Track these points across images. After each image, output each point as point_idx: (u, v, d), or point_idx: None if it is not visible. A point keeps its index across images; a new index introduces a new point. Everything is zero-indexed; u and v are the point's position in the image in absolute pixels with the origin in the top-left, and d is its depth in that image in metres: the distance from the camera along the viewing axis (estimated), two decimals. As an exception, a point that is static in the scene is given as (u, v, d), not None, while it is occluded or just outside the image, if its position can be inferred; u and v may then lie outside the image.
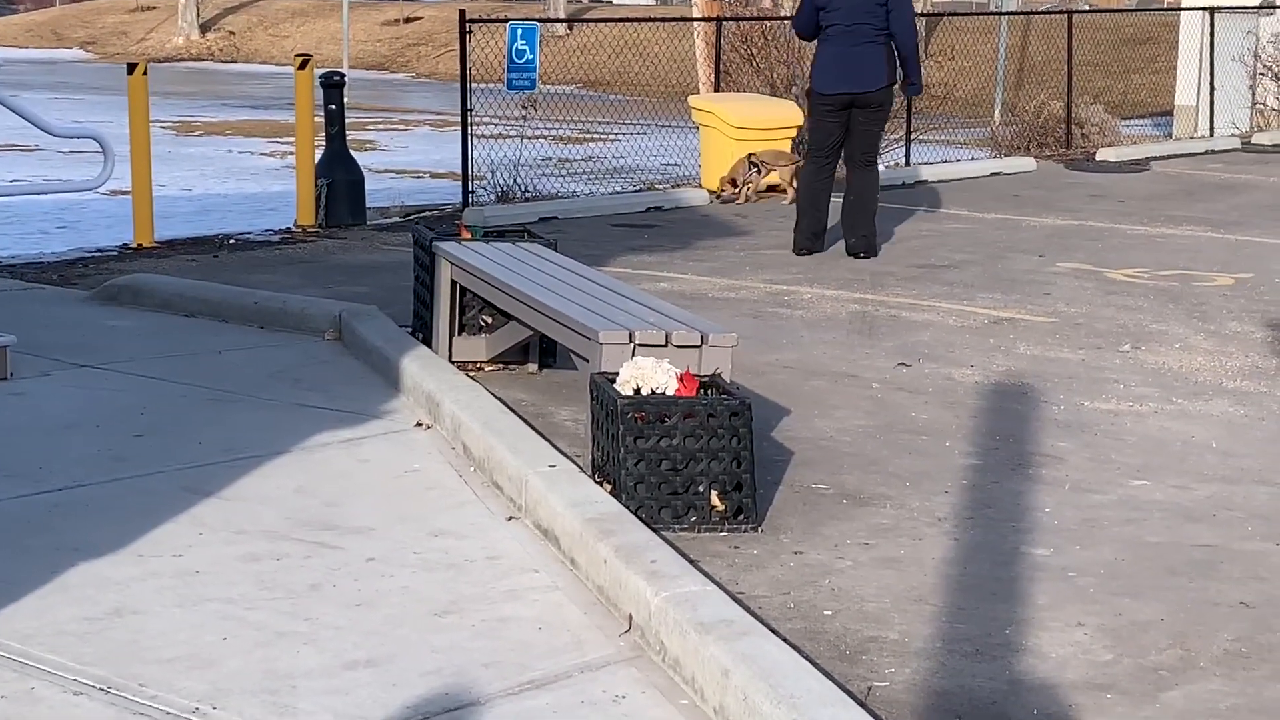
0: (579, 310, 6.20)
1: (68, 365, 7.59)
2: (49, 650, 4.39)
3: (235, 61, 44.13)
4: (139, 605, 4.75)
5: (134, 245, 11.15)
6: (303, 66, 12.00)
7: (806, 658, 4.33)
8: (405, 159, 21.34)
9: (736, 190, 12.93)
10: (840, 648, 4.51)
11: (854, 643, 4.55)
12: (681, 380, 5.53)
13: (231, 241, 11.54)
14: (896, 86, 10.78)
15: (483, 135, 13.50)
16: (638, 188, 14.80)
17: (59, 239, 12.97)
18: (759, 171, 13.12)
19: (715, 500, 5.40)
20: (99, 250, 11.21)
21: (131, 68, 11.32)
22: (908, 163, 15.72)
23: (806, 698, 3.95)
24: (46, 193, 7.57)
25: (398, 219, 12.64)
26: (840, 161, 10.80)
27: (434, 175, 19.36)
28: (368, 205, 12.65)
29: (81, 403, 6.97)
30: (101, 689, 4.18)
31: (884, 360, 7.89)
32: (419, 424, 6.73)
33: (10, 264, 10.52)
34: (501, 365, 7.53)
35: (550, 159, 18.00)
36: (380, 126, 26.11)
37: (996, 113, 21.46)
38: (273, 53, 43.72)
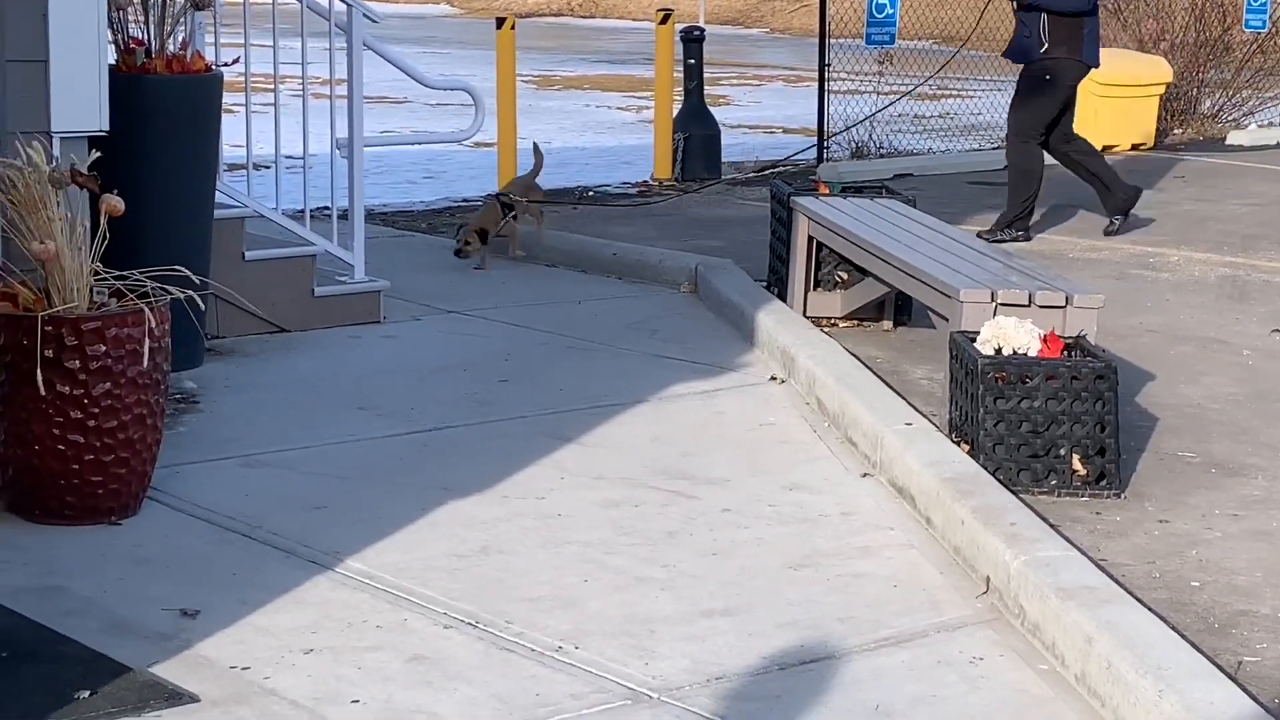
0: (939, 268, 6.14)
1: (436, 311, 7.84)
2: (420, 584, 4.56)
3: (593, 17, 44.80)
4: (504, 545, 4.89)
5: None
6: (664, 21, 12.13)
7: (1173, 628, 4.22)
8: (758, 114, 21.34)
9: (480, 246, 8.87)
10: (1208, 620, 4.38)
11: (1223, 616, 4.41)
12: (1045, 341, 5.43)
13: (590, 194, 11.75)
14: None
15: (837, 91, 13.43)
16: (994, 145, 14.53)
17: (425, 188, 13.36)
18: (514, 217, 9.19)
19: (1077, 464, 5.30)
20: (464, 200, 11.53)
21: (500, 22, 11.60)
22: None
23: (1174, 669, 3.85)
24: (418, 143, 7.82)
25: (752, 174, 12.68)
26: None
27: (786, 131, 19.31)
28: (723, 160, 12.72)
29: (449, 347, 7.20)
30: (470, 623, 4.32)
31: (1256, 326, 7.61)
32: (773, 378, 6.76)
33: (383, 212, 10.90)
34: (856, 321, 7.51)
35: (905, 115, 17.79)
36: (734, 82, 26.15)
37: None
38: (629, 8, 44.20)
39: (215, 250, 6.79)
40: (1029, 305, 5.70)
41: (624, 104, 22.71)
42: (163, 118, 6.36)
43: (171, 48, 6.49)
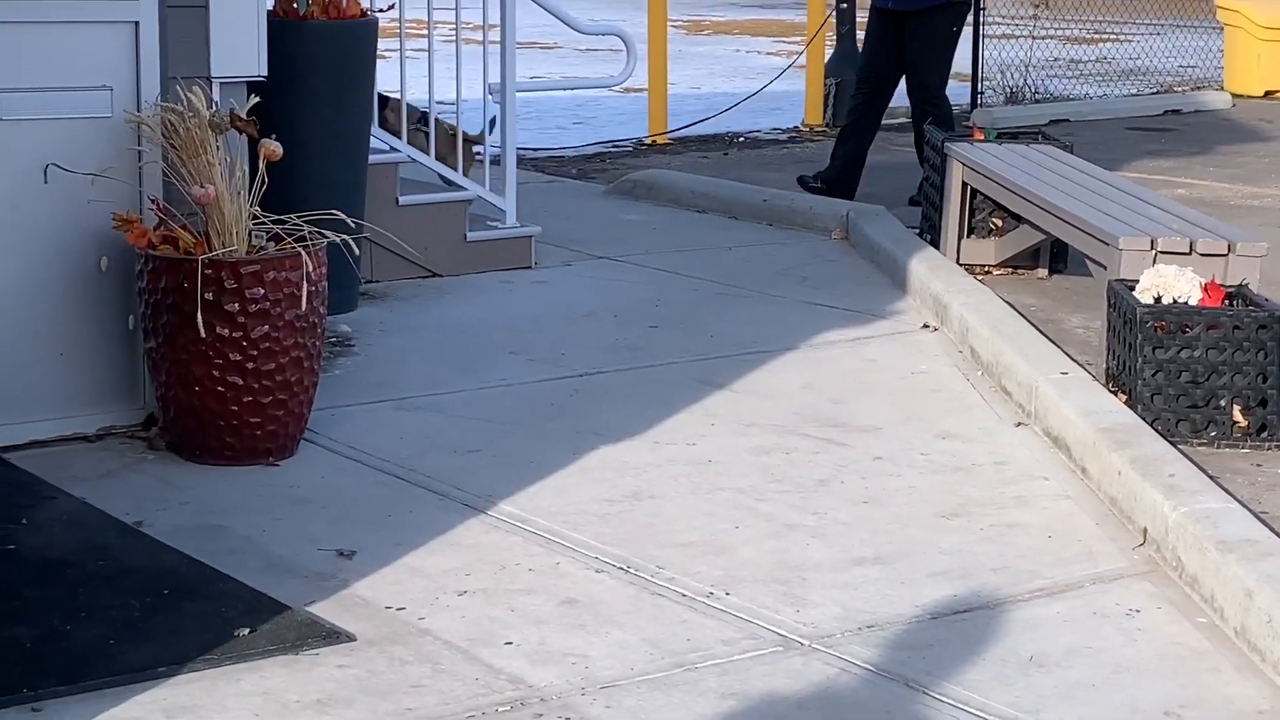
0: (1096, 214, 6.04)
1: (586, 256, 7.86)
2: (571, 528, 4.58)
3: (743, -39, 44.45)
4: (655, 490, 4.90)
5: (648, 141, 11.43)
6: (815, -35, 12.00)
7: (1335, 584, 4.13)
8: (910, 59, 21.07)
9: None
10: (1372, 576, 4.28)
11: (1387, 572, 4.31)
12: (1205, 290, 5.32)
13: (740, 139, 11.70)
14: None
15: (991, 35, 13.24)
16: (1154, 90, 14.26)
17: (575, 134, 13.36)
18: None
19: (1237, 415, 5.20)
20: (614, 145, 11.54)
21: (650, -33, 11.55)
22: None
23: (1337, 625, 3.77)
24: (569, 89, 7.85)
25: (904, 119, 12.53)
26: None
27: (939, 76, 19.07)
28: (875, 105, 12.58)
29: (599, 292, 7.21)
30: (621, 568, 4.34)
31: None
32: (925, 325, 6.70)
33: (534, 158, 10.94)
34: (1010, 269, 7.42)
35: (1060, 60, 17.49)
36: (886, 26, 25.86)
37: None
38: (780, -48, 43.83)
39: (370, 195, 6.85)
40: (1189, 253, 5.59)
41: (774, 49, 22.55)
42: (319, 63, 6.42)
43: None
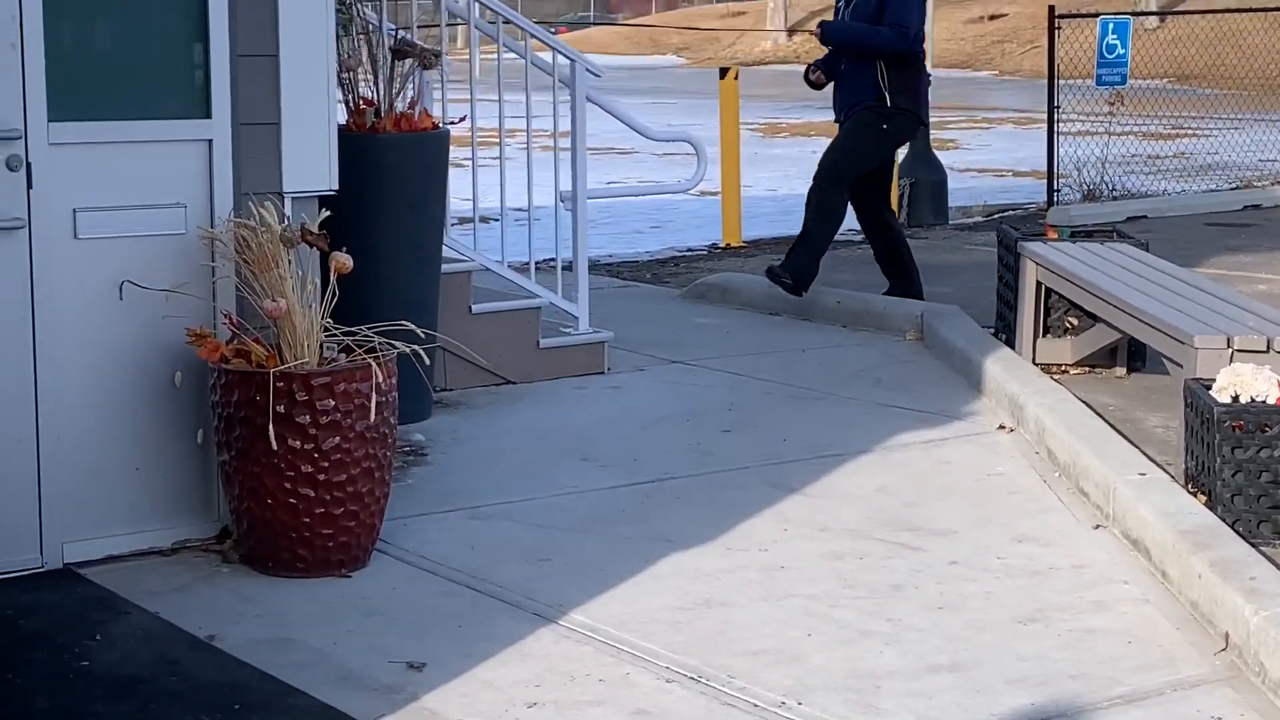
0: (1171, 312, 5.98)
1: (660, 361, 7.86)
2: (642, 637, 4.55)
3: (818, 63, 44.68)
4: (727, 597, 4.87)
5: (722, 245, 11.47)
6: (887, 67, 12.04)
7: None
8: (987, 157, 21.10)
9: None
10: None
11: None
12: (1284, 388, 5.25)
13: (814, 242, 11.69)
14: None
15: (1068, 133, 13.23)
16: (1233, 185, 14.18)
17: (652, 238, 13.46)
18: None
19: (1320, 515, 5.11)
20: (689, 250, 11.59)
21: (724, 72, 11.65)
22: None
23: None
24: (643, 194, 7.90)
25: (980, 218, 12.56)
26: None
27: (1016, 174, 19.07)
28: (950, 205, 12.60)
29: (672, 397, 7.21)
30: (692, 678, 4.30)
31: None
32: (1001, 426, 6.64)
33: (609, 263, 11.00)
34: (1087, 368, 7.36)
35: (1138, 156, 17.45)
36: (962, 125, 25.93)
37: None
38: (855, 54, 44.04)
39: (443, 303, 6.91)
40: (1267, 351, 5.52)
41: (850, 150, 22.58)
42: (391, 175, 6.49)
43: (401, 106, 6.62)
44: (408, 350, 5.00)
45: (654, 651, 4.46)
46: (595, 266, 10.80)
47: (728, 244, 11.43)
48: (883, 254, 9.06)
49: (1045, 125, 12.60)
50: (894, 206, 12.05)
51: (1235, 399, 5.26)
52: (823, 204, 8.76)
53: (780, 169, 20.15)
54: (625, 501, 5.78)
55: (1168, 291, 6.40)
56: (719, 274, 9.84)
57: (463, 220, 8.43)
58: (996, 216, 12.45)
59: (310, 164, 5.26)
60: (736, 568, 5.12)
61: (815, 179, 8.86)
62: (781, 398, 7.19)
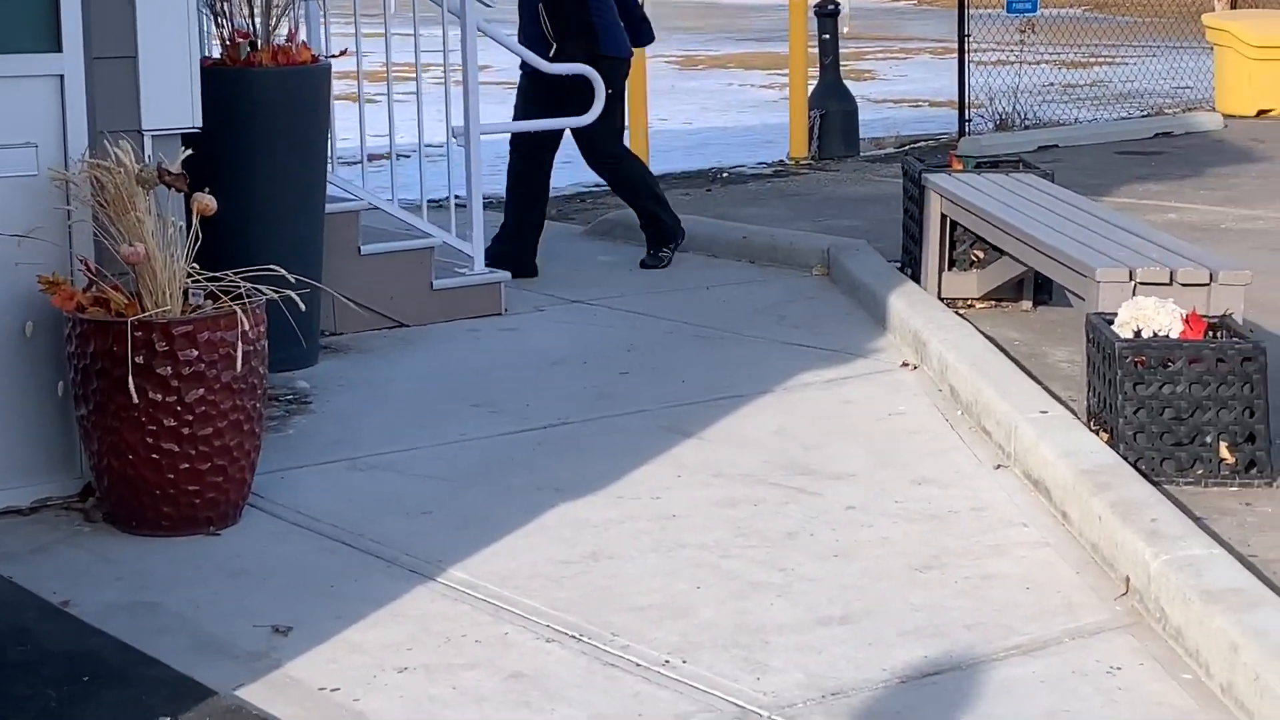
0: (1075, 245, 5.81)
1: (560, 301, 7.65)
2: (524, 594, 4.35)
3: (739, -5, 44.40)
4: (615, 550, 4.67)
5: (630, 180, 11.21)
6: (795, -4, 11.82)
7: (1327, 634, 3.89)
8: (904, 88, 20.90)
9: None
10: (1367, 622, 4.04)
11: (1383, 617, 4.07)
12: (1187, 322, 5.09)
13: (724, 175, 11.50)
14: None
15: (981, 62, 13.04)
16: (1145, 113, 14.05)
17: (563, 174, 13.16)
18: None
19: (1224, 452, 4.97)
20: (596, 185, 11.32)
21: (627, 3, 11.36)
22: None
23: (1327, 681, 3.53)
24: (539, 128, 7.67)
25: (892, 150, 12.35)
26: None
27: (933, 104, 18.88)
28: (863, 136, 12.41)
29: (570, 338, 7.00)
30: (574, 636, 4.11)
31: None
32: (905, 364, 6.47)
33: (511, 200, 10.72)
34: (993, 302, 7.20)
35: (1053, 85, 17.30)
36: (879, 55, 25.71)
37: None
38: (774, -16, 43.74)
39: (330, 245, 6.66)
40: (1170, 284, 5.37)
41: (767, 82, 22.38)
42: (269, 112, 6.22)
43: (282, 39, 6.35)
44: (275, 296, 4.76)
45: (535, 609, 4.26)
46: (498, 204, 10.55)
47: (635, 179, 11.17)
48: (513, 220, 8.15)
49: (964, 55, 12.39)
50: (807, 141, 11.88)
51: (1138, 333, 5.10)
52: (629, 178, 8.30)
53: (696, 101, 19.87)
54: (515, 449, 5.57)
55: (1071, 223, 6.23)
56: (621, 210, 9.60)
57: (373, 159, 8.12)
58: (909, 148, 12.23)
59: (172, 100, 4.99)
60: (627, 517, 4.92)
61: (600, 164, 8.26)
62: (683, 338, 7.00)
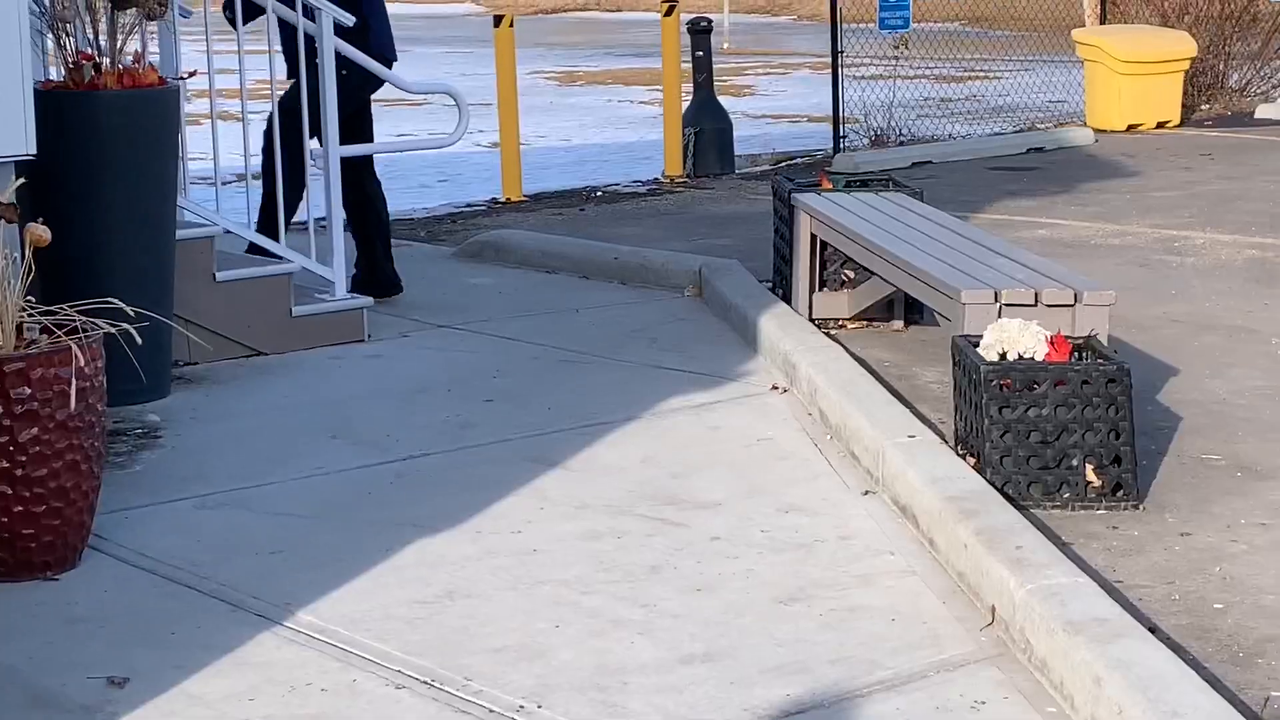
0: (941, 266, 5.75)
1: (426, 326, 7.49)
2: (375, 637, 4.19)
3: (621, 10, 44.41)
4: (472, 588, 4.53)
5: (502, 200, 11.10)
6: (669, 13, 11.75)
7: (1190, 662, 3.83)
8: (783, 103, 20.92)
9: None
10: (1232, 649, 3.99)
11: (1249, 643, 4.02)
12: (1052, 344, 5.03)
13: (598, 193, 11.39)
14: None
15: (860, 77, 13.04)
16: (1018, 128, 14.11)
17: (439, 192, 13.01)
18: None
19: (1091, 475, 4.91)
20: (468, 205, 11.18)
21: (498, 20, 11.24)
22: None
23: (1192, 715, 3.46)
24: (402, 150, 7.48)
25: (768, 167, 12.31)
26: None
27: (811, 119, 18.89)
28: (741, 153, 12.36)
29: (435, 365, 6.84)
30: (426, 681, 3.95)
31: (1287, 312, 7.19)
32: (775, 387, 6.38)
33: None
34: (865, 322, 7.13)
35: (930, 100, 17.36)
36: (759, 71, 25.75)
37: None
38: (655, 0, 43.78)
39: (183, 271, 6.46)
40: (1035, 305, 5.31)
41: (647, 98, 22.31)
42: (113, 137, 5.99)
43: (127, 61, 6.14)
44: (112, 330, 4.57)
45: (386, 653, 4.11)
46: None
47: (508, 199, 11.05)
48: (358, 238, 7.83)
49: (838, 71, 12.37)
50: (681, 158, 11.79)
51: (1003, 356, 5.03)
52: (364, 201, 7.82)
53: (575, 118, 19.78)
54: (374, 483, 5.41)
55: (938, 243, 6.16)
56: (494, 231, 9.47)
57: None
58: (784, 164, 12.22)
59: (4, 127, 4.79)
60: (486, 553, 4.78)
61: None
62: (551, 362, 6.86)
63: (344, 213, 7.46)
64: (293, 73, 7.34)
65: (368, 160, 7.84)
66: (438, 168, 15.02)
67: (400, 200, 12.39)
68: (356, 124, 7.60)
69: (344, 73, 7.23)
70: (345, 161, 7.30)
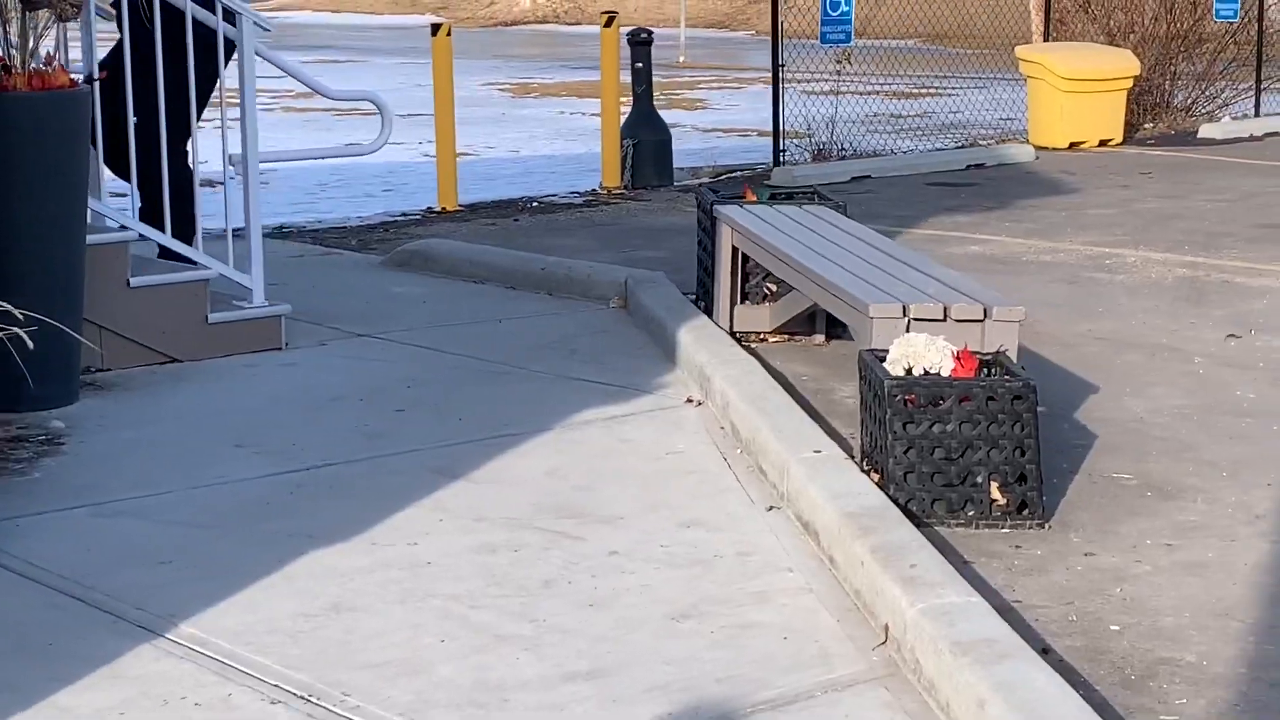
0: (852, 280, 5.70)
1: (345, 334, 7.40)
2: (256, 651, 4.11)
3: (580, 24, 44.37)
4: (359, 601, 4.45)
5: (437, 209, 11.02)
6: (608, 24, 11.70)
7: (1081, 684, 3.78)
8: (734, 117, 20.90)
9: None
10: (1124, 671, 3.94)
11: (1141, 665, 3.97)
12: (958, 359, 4.98)
13: (534, 204, 11.33)
14: None
15: (810, 92, 13.01)
16: (959, 144, 14.10)
17: (382, 201, 12.91)
18: None
19: (995, 493, 4.86)
20: (403, 215, 11.10)
21: (435, 29, 11.17)
22: (1257, 113, 14.63)
23: (1070, 738, 3.41)
24: (320, 157, 7.41)
25: (708, 179, 12.25)
26: None
27: (761, 134, 18.81)
28: (688, 165, 12.32)
29: (350, 374, 6.75)
30: (303, 696, 3.87)
31: (1211, 331, 7.16)
32: (689, 400, 6.32)
33: (314, 229, 10.48)
34: (786, 336, 7.08)
35: (880, 115, 17.36)
36: (713, 85, 25.74)
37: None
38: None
39: (97, 277, 6.37)
40: (944, 319, 5.26)
41: (598, 110, 22.25)
42: (22, 139, 5.90)
43: (37, 63, 6.05)
44: (2, 336, 4.48)
45: (265, 667, 4.02)
46: (300, 233, 10.29)
47: (443, 208, 10.98)
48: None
49: (779, 85, 12.33)
50: (620, 170, 11.73)
51: (908, 371, 4.98)
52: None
53: (526, 129, 19.71)
54: (272, 492, 5.32)
55: (854, 257, 6.11)
56: (422, 240, 9.39)
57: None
58: (725, 177, 12.18)
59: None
60: (378, 566, 4.70)
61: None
62: (468, 373, 6.78)
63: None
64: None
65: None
66: (383, 178, 14.92)
67: (342, 209, 12.34)
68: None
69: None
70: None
